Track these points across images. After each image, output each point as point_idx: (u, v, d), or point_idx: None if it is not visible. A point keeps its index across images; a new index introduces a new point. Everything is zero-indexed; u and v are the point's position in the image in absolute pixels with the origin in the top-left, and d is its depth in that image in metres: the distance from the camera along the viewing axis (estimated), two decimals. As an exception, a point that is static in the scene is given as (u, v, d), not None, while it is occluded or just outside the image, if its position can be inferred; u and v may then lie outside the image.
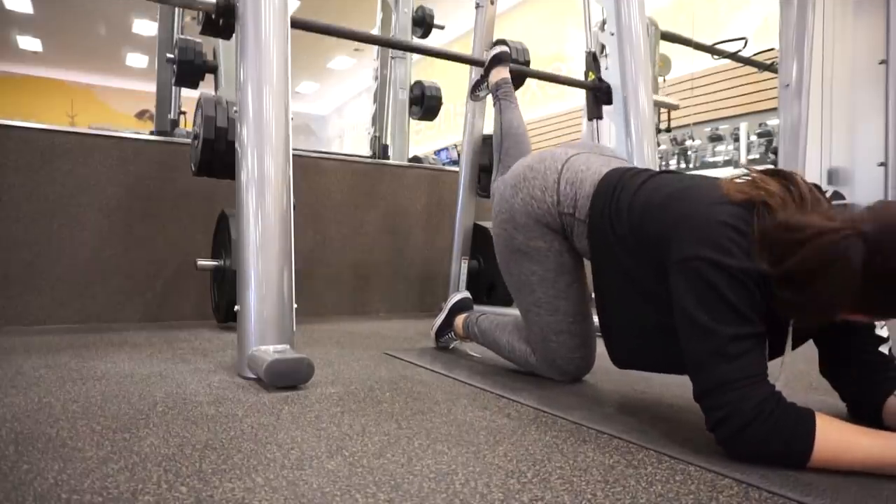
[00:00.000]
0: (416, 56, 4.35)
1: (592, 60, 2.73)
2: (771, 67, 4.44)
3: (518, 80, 2.76)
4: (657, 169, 1.65)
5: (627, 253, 1.18)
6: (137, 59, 12.34)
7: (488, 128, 2.80)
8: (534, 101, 9.76)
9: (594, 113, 2.69)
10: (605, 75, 2.62)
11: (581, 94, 2.87)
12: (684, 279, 1.00)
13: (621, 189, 1.24)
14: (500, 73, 2.40)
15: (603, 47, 2.65)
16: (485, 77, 2.49)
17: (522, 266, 1.44)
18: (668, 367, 1.21)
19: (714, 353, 0.94)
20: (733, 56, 4.59)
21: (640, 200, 1.18)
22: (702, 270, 0.97)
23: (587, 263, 1.42)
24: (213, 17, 1.74)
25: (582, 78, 2.81)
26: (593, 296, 1.34)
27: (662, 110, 4.24)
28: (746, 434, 0.91)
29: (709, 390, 0.95)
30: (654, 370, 1.28)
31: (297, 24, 1.83)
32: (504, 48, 2.46)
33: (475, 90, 2.63)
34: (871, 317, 0.95)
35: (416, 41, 2.57)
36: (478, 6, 2.78)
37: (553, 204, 1.37)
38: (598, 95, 2.66)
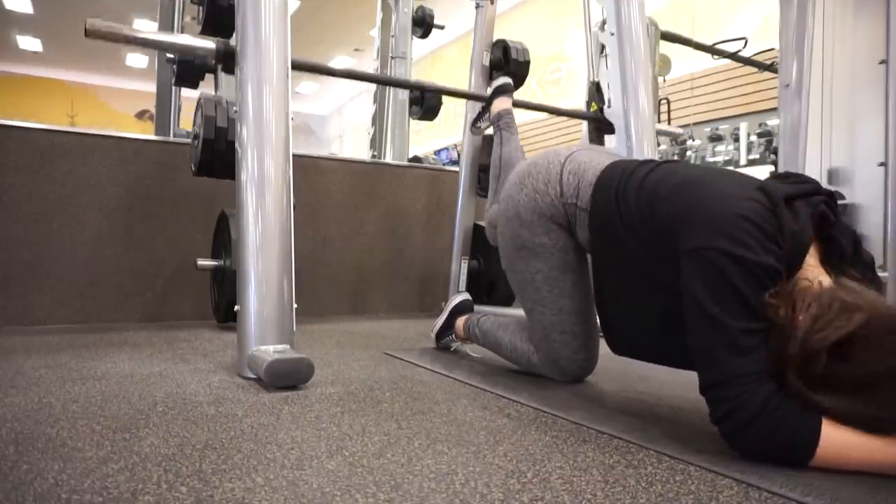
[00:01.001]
0: (415, 56, 4.34)
1: (596, 91, 2.68)
2: (771, 67, 4.43)
3: (518, 80, 2.76)
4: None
5: (639, 243, 1.16)
6: (137, 59, 12.33)
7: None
8: (533, 101, 9.75)
9: (596, 142, 2.66)
10: (606, 112, 2.56)
11: (581, 94, 2.86)
12: (696, 268, 0.99)
13: (628, 178, 1.22)
14: (503, 104, 2.39)
15: (603, 47, 2.64)
16: (487, 108, 2.47)
17: (528, 264, 1.44)
18: (673, 361, 1.20)
19: (725, 346, 0.94)
20: (733, 56, 4.59)
21: (647, 191, 1.17)
22: (715, 261, 0.96)
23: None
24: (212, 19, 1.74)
25: (583, 78, 2.80)
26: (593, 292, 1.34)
27: (662, 109, 4.24)
28: (753, 427, 0.91)
29: (718, 382, 0.94)
30: (656, 362, 1.27)
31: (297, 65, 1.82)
32: (507, 80, 2.44)
33: (476, 122, 2.59)
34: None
35: (424, 81, 2.70)
36: (478, 6, 2.78)
37: (556, 195, 1.36)
38: (602, 127, 2.63)
